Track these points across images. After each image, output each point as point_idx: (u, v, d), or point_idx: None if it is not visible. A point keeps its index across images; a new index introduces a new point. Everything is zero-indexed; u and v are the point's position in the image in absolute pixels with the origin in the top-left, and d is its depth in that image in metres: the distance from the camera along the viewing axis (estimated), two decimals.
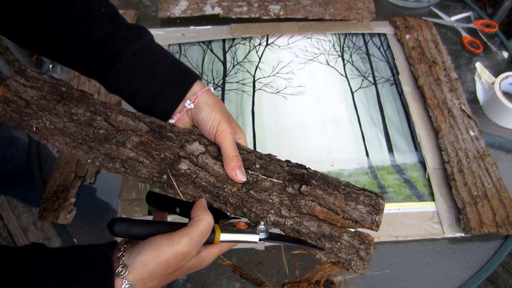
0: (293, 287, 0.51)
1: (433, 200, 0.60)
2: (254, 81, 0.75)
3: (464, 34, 0.83)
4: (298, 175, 0.44)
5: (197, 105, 0.44)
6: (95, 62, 0.43)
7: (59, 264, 0.32)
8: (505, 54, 0.80)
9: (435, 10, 0.87)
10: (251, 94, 0.73)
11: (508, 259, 1.26)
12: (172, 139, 0.43)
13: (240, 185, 0.43)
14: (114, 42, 0.43)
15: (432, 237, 0.57)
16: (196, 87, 0.45)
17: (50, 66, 0.78)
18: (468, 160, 0.62)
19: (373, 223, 0.43)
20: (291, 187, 0.43)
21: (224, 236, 0.38)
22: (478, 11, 0.88)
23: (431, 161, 0.64)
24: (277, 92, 0.73)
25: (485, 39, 0.82)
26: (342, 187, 0.44)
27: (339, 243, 0.42)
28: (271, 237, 0.41)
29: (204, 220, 0.36)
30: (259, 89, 0.74)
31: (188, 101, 0.44)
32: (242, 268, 0.54)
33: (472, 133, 0.65)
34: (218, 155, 0.44)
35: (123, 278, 0.33)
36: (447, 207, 0.59)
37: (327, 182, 0.44)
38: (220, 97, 0.72)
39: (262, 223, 0.41)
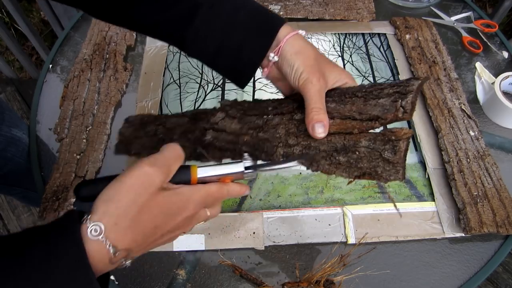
0: (293, 287, 0.51)
1: (433, 200, 0.60)
2: (254, 81, 0.75)
3: (464, 34, 0.83)
4: None
5: (280, 56, 0.41)
6: (172, 19, 0.41)
7: (16, 236, 0.28)
8: (505, 54, 0.80)
9: (435, 10, 0.87)
10: (251, 94, 0.73)
11: (508, 259, 1.26)
12: (203, 118, 0.44)
13: (251, 131, 0.41)
14: None
15: (432, 237, 0.57)
16: (283, 32, 0.40)
17: (50, 66, 0.78)
18: (468, 160, 0.62)
19: (397, 111, 0.35)
20: (299, 113, 0.41)
21: (203, 172, 0.35)
22: (478, 11, 0.88)
23: (431, 161, 0.64)
24: (277, 92, 0.73)
25: (485, 39, 0.82)
26: (364, 90, 0.39)
27: (357, 152, 0.37)
28: (257, 165, 0.37)
29: (169, 145, 0.34)
30: (259, 89, 0.74)
31: (272, 54, 0.41)
32: (242, 268, 0.54)
33: (472, 133, 0.65)
34: (236, 114, 0.43)
35: (87, 220, 0.29)
36: (447, 207, 0.59)
37: (344, 92, 0.40)
38: (220, 97, 0.72)
39: (246, 154, 0.38)
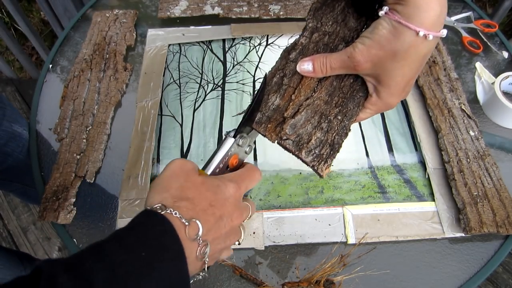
0: (293, 287, 0.51)
1: (433, 200, 0.60)
2: (254, 81, 0.75)
3: (464, 34, 0.83)
4: None
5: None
6: None
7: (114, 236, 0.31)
8: (505, 54, 0.80)
9: None
10: (251, 94, 0.73)
11: (508, 259, 1.26)
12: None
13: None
14: None
15: (432, 237, 0.57)
16: None
17: (50, 66, 0.79)
18: (468, 160, 0.62)
19: None
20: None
21: (208, 168, 0.38)
22: (478, 11, 0.88)
23: (431, 161, 0.64)
24: None
25: (485, 39, 0.82)
26: None
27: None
28: (238, 128, 0.39)
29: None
30: None
31: (382, 12, 0.35)
32: (242, 268, 0.54)
33: (472, 133, 0.65)
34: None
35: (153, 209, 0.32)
36: (447, 207, 0.59)
37: None
38: (220, 97, 0.73)
39: (227, 131, 0.41)
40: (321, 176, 0.40)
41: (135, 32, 0.81)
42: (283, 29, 0.82)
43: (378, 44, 0.35)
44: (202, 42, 0.81)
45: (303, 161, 0.39)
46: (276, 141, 0.40)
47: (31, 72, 1.65)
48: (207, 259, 0.33)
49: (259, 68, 0.77)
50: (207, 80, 0.75)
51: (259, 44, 0.81)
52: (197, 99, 0.73)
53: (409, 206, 0.60)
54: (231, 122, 0.69)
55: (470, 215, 0.56)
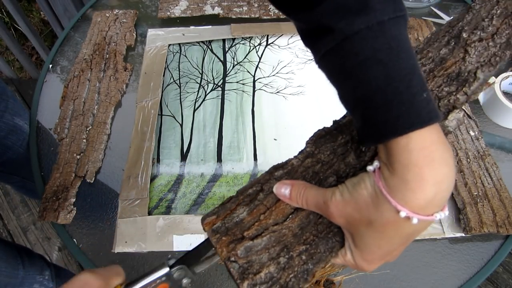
0: None
1: None
2: (254, 81, 0.75)
3: None
4: None
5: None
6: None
7: None
8: None
9: (435, 10, 0.87)
10: (251, 94, 0.73)
11: (508, 259, 1.26)
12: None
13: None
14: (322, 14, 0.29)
15: (432, 237, 0.57)
16: (416, 140, 0.26)
17: (50, 66, 0.79)
18: (468, 160, 0.62)
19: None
20: None
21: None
22: None
23: None
24: (277, 92, 0.73)
25: None
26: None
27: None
28: (180, 259, 0.36)
29: (113, 265, 0.36)
30: (259, 89, 0.74)
31: (371, 167, 0.29)
32: None
33: (472, 133, 0.65)
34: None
35: None
36: (447, 207, 0.59)
37: None
38: (220, 97, 0.73)
39: (169, 256, 0.36)
40: None
41: (135, 32, 0.82)
42: (283, 29, 0.82)
43: (355, 204, 0.29)
44: (202, 42, 0.81)
45: None
46: (223, 259, 0.34)
47: (31, 72, 1.65)
48: None
49: (259, 68, 0.77)
50: (207, 80, 0.75)
51: (259, 44, 0.81)
52: (197, 99, 0.73)
53: None
54: (231, 122, 0.69)
55: (470, 215, 0.56)
